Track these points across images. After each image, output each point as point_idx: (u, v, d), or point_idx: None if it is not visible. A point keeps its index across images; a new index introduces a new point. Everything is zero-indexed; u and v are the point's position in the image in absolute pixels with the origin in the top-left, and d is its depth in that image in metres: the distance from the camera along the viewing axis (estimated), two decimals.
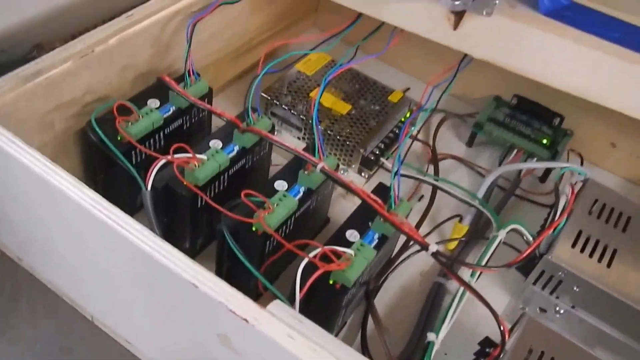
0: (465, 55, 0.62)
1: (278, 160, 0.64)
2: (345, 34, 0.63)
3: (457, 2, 0.48)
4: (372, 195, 0.49)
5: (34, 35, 0.72)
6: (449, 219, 0.64)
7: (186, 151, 0.52)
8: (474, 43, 0.55)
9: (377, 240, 0.50)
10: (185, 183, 0.51)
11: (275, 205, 0.50)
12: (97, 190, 0.42)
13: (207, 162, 0.52)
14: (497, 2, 0.52)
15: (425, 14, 0.55)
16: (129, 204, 0.58)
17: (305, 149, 0.57)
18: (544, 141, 0.71)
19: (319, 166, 0.50)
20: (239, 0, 0.65)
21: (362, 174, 0.67)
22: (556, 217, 0.55)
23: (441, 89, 0.65)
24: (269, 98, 0.68)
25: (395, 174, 0.53)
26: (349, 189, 0.49)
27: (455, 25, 0.55)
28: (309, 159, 0.51)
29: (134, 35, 0.56)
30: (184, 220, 0.54)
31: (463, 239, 0.61)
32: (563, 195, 0.57)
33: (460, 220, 0.63)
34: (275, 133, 0.69)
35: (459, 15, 0.54)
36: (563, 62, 0.53)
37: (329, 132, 0.66)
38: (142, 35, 0.57)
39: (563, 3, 0.56)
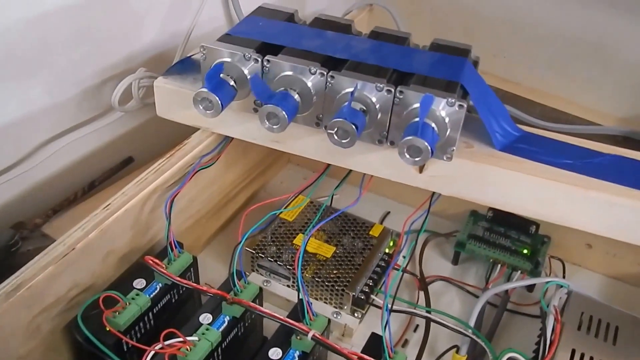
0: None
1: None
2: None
3: (417, 159, 0.50)
4: (364, 357, 0.50)
5: (13, 216, 0.73)
6: (446, 351, 0.65)
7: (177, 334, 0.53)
8: (441, 183, 0.58)
9: None
10: None
11: None
12: None
13: (198, 344, 0.53)
14: (454, 148, 0.54)
15: (391, 162, 0.57)
16: None
17: (295, 308, 0.58)
18: (525, 251, 0.73)
19: (310, 335, 0.51)
20: (214, 163, 0.68)
21: (356, 315, 0.67)
22: (547, 348, 0.56)
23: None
24: (254, 252, 0.70)
25: (386, 325, 0.53)
26: (341, 354, 0.50)
27: (421, 170, 0.57)
28: (299, 328, 0.52)
29: (113, 224, 0.57)
30: None
31: None
32: (550, 316, 0.59)
33: (458, 351, 0.63)
34: (265, 284, 0.70)
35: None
36: (523, 194, 0.55)
37: (316, 279, 0.67)
38: (122, 222, 0.58)
39: (515, 134, 0.58)
